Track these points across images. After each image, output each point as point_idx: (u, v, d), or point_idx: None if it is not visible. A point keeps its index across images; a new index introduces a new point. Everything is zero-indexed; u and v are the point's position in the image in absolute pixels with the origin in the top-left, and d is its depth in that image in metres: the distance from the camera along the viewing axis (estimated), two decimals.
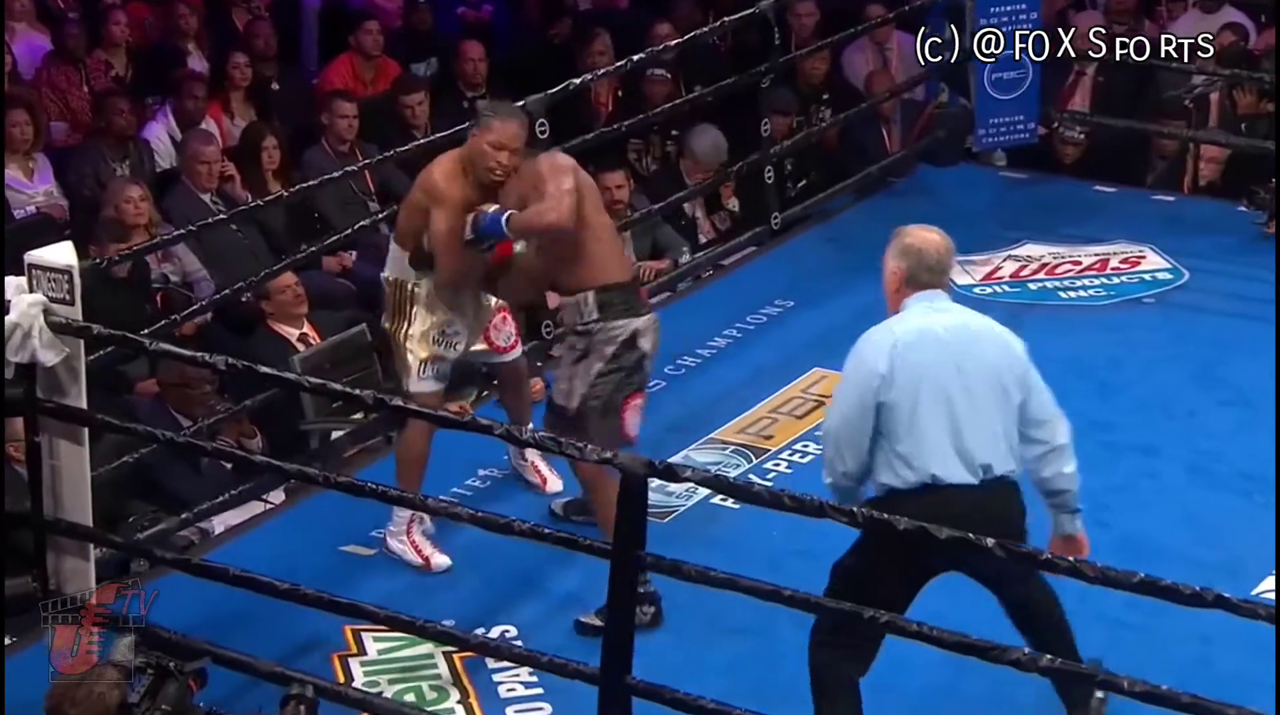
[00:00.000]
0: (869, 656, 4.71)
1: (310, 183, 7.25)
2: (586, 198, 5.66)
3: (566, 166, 5.67)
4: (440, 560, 6.01)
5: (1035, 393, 4.77)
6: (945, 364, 4.71)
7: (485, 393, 6.88)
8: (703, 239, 8.85)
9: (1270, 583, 5.61)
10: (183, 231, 6.89)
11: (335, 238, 7.36)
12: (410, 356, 5.94)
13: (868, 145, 9.41)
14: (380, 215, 8.73)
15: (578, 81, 7.55)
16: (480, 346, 6.15)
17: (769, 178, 8.37)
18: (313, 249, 7.27)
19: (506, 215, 5.58)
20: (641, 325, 5.66)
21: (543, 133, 7.21)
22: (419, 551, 6.02)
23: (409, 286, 5.92)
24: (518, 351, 6.31)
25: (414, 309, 5.93)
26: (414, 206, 5.85)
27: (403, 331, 5.95)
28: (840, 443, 4.73)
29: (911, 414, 4.65)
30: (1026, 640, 4.65)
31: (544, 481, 6.41)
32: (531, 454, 6.40)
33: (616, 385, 5.64)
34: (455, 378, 6.18)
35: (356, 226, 7.41)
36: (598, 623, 5.28)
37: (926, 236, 4.89)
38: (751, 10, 8.17)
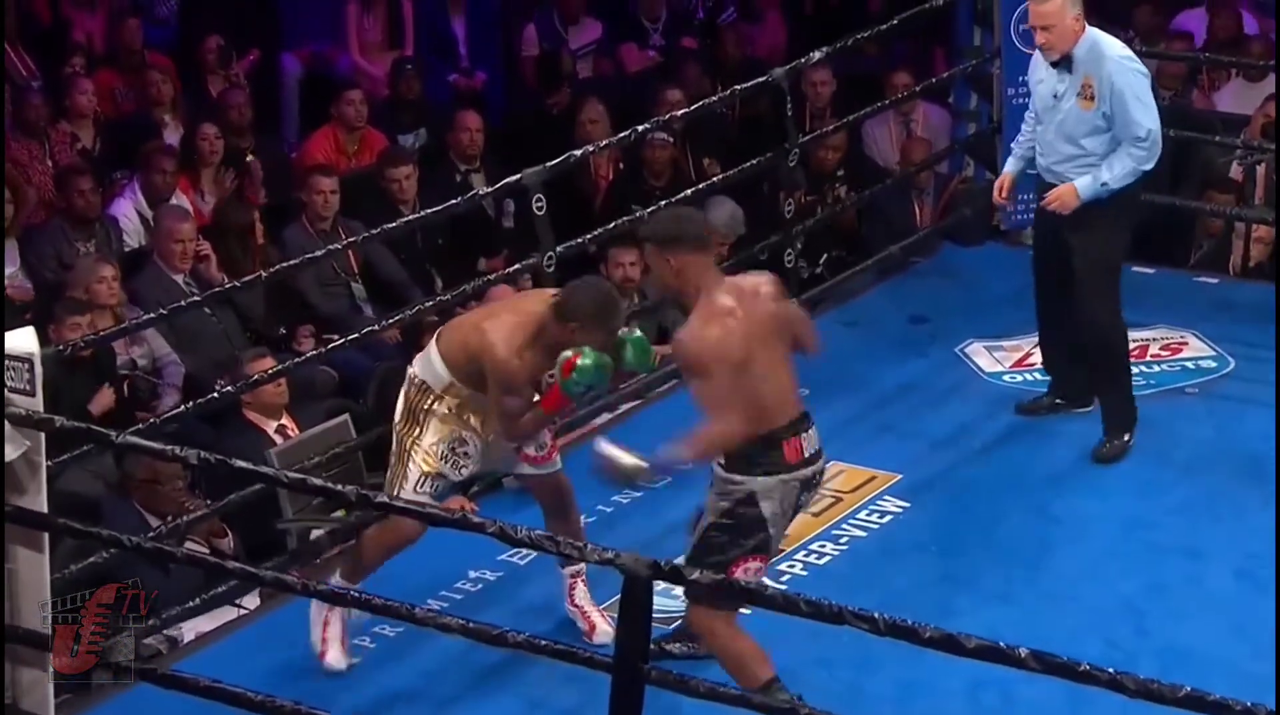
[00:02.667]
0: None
1: (288, 263, 7.26)
2: (734, 343, 5.33)
3: (708, 345, 5.33)
4: (333, 661, 5.95)
5: None
6: None
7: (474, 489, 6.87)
8: None
9: None
10: (153, 315, 6.89)
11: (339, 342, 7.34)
12: (413, 466, 5.90)
13: (895, 219, 9.44)
14: (364, 297, 8.85)
15: (578, 153, 7.59)
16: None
17: (789, 261, 8.38)
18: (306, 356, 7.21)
19: (669, 458, 5.35)
20: (762, 486, 5.39)
21: (539, 208, 7.25)
22: (324, 637, 5.96)
23: (431, 397, 5.90)
24: (554, 463, 6.08)
25: (430, 420, 5.90)
26: (474, 356, 5.80)
27: (413, 437, 5.91)
28: (1159, 131, 6.88)
29: None
30: None
31: (591, 629, 6.13)
32: (581, 598, 6.18)
33: (723, 546, 5.41)
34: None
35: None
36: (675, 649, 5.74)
37: None
38: (764, 79, 8.20)
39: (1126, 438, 7.20)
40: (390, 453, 6.04)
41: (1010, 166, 7.32)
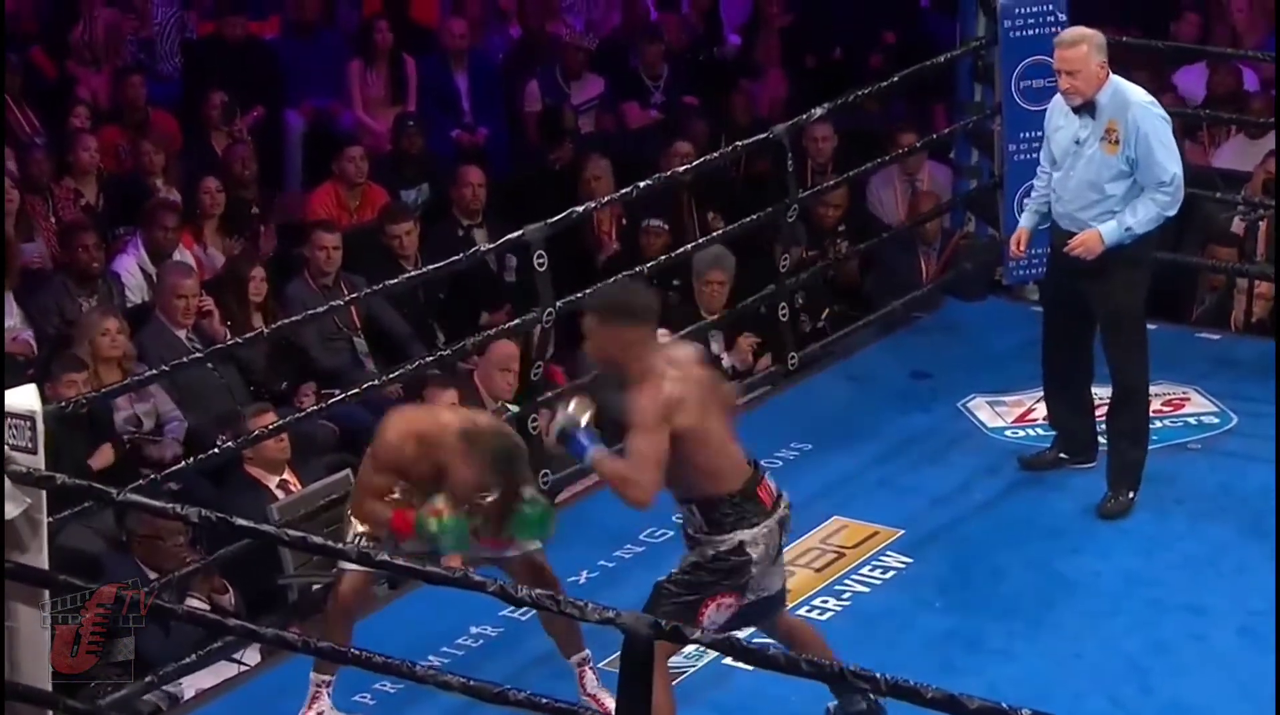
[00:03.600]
0: None
1: (290, 319, 7.26)
2: (690, 406, 5.33)
3: (659, 402, 5.29)
4: None
5: None
6: None
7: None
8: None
9: None
10: (154, 372, 6.89)
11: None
12: (349, 532, 5.83)
13: (900, 274, 9.44)
14: (365, 351, 8.85)
15: (580, 209, 7.60)
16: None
17: (784, 315, 8.38)
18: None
19: (594, 454, 5.32)
20: (750, 536, 5.41)
21: (541, 264, 7.24)
22: None
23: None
24: (518, 546, 5.91)
25: (349, 521, 5.88)
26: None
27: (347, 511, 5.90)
28: (1183, 176, 6.96)
29: None
30: None
31: None
32: (593, 686, 5.99)
33: (705, 584, 5.43)
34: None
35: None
36: None
37: (1089, 29, 6.97)
38: (765, 135, 8.20)
39: (1131, 495, 7.17)
40: None
41: (1025, 220, 7.31)
